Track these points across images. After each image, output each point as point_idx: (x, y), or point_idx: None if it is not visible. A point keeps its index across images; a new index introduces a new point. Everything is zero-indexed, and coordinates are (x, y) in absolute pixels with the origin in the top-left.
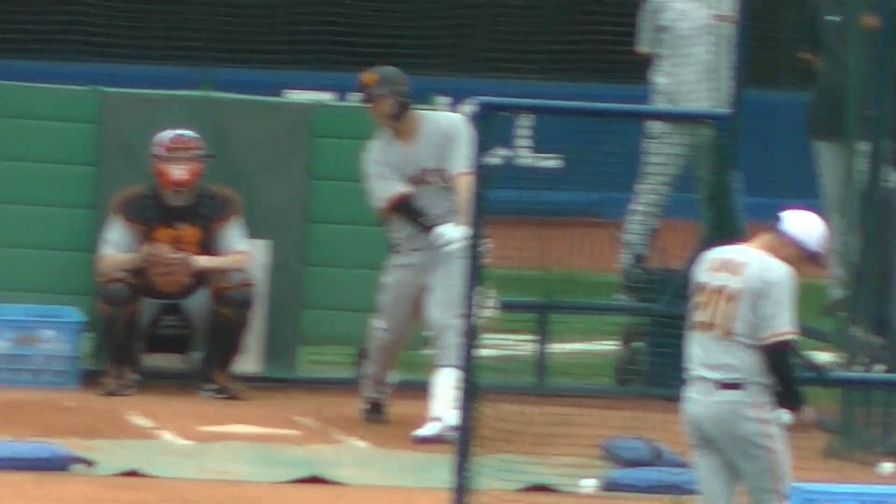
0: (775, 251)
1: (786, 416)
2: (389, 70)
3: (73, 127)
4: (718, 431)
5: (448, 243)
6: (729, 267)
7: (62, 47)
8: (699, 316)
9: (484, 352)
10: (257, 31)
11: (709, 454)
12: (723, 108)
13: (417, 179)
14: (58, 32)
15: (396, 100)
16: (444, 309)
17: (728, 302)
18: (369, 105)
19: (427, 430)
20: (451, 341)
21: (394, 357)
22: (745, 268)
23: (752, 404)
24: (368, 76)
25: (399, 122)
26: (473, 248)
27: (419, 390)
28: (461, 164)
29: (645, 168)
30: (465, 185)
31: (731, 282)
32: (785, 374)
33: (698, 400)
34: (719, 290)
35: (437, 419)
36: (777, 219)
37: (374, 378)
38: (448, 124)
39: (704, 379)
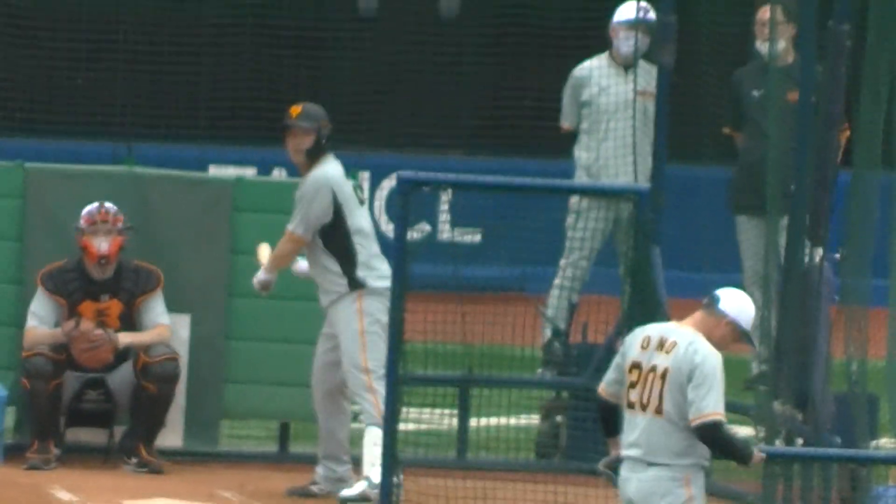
0: (710, 330)
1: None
2: (317, 108)
3: None
4: None
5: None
6: (659, 345)
7: None
8: (631, 395)
9: (405, 425)
10: (180, 107)
11: None
12: (644, 183)
13: None
14: None
15: (316, 138)
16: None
17: (658, 381)
18: (287, 135)
19: (353, 489)
20: (365, 399)
21: None
22: (674, 347)
23: (682, 481)
24: (294, 107)
25: (308, 161)
26: (395, 321)
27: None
28: (292, 220)
29: (567, 243)
30: (280, 241)
31: (661, 361)
32: (722, 447)
33: (629, 478)
34: (651, 370)
35: (363, 478)
36: (710, 297)
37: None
38: (309, 181)
39: (635, 458)
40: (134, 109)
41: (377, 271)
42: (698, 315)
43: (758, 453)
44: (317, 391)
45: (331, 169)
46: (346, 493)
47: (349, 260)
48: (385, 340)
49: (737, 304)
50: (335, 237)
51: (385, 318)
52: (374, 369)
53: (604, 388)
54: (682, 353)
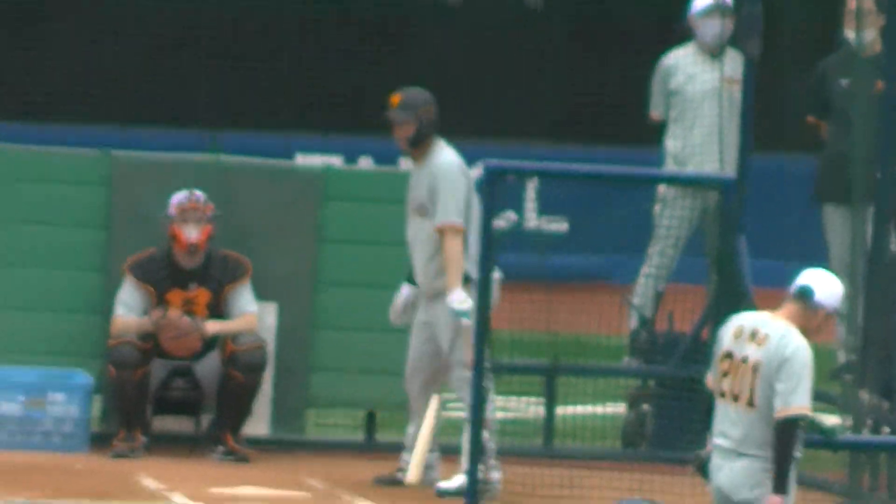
0: (806, 321)
1: None
2: (416, 94)
3: (84, 190)
4: (737, 496)
5: (456, 316)
6: (751, 336)
7: (73, 111)
8: (724, 384)
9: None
10: (267, 95)
11: None
12: (730, 172)
13: (419, 211)
14: (68, 96)
15: (417, 127)
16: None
17: (751, 373)
18: (391, 125)
19: (452, 482)
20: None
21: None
22: (766, 340)
23: (770, 472)
24: (395, 96)
25: (416, 149)
26: (482, 310)
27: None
28: (439, 216)
29: (654, 232)
30: (445, 243)
31: (752, 353)
32: (786, 451)
33: (720, 466)
34: (743, 360)
35: (464, 472)
36: (802, 289)
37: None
38: (437, 170)
39: (726, 449)
40: (219, 98)
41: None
42: (792, 307)
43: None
44: (413, 381)
45: (454, 155)
46: (444, 485)
47: (463, 247)
48: None
49: (830, 291)
50: None
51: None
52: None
53: (710, 379)
54: (774, 346)
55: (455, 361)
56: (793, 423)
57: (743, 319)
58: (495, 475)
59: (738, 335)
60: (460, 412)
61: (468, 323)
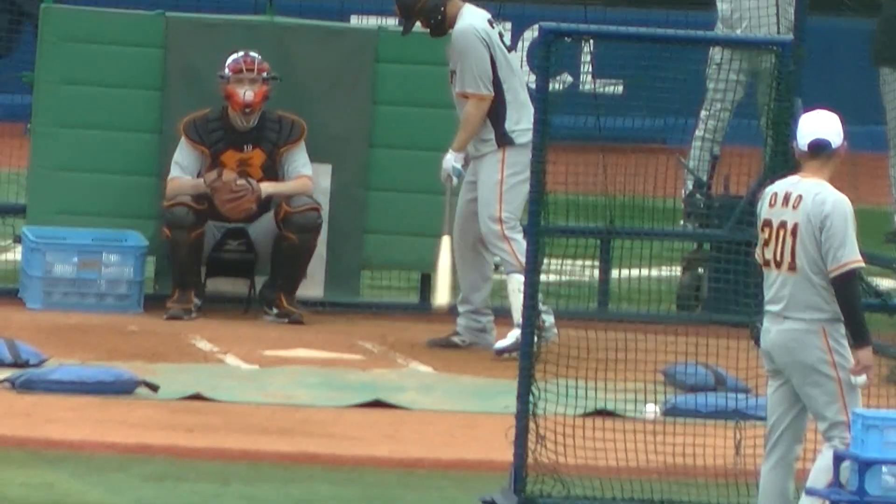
0: (832, 169)
1: (861, 379)
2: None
3: (138, 52)
4: (786, 359)
5: (445, 175)
6: (787, 201)
7: None
8: (766, 253)
9: (547, 277)
10: None
11: (778, 383)
12: (785, 35)
13: (454, 76)
14: None
15: (432, 15)
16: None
17: (789, 237)
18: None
19: (507, 339)
20: (499, 248)
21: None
22: (800, 201)
23: (819, 333)
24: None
25: (438, 28)
26: (537, 172)
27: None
28: (458, 84)
29: (707, 95)
30: (466, 107)
31: (790, 217)
32: (852, 304)
33: (769, 329)
34: (781, 226)
35: (516, 325)
36: (815, 143)
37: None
38: (454, 38)
39: (774, 313)
40: None
41: (523, 124)
42: (814, 164)
43: (868, 352)
44: (458, 240)
45: (473, 20)
46: (501, 343)
47: (499, 110)
48: (524, 193)
49: (835, 129)
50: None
51: (528, 173)
52: (507, 219)
53: (758, 251)
54: (811, 205)
55: (484, 215)
56: (850, 276)
57: (776, 187)
58: (548, 319)
59: (773, 203)
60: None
61: (451, 181)
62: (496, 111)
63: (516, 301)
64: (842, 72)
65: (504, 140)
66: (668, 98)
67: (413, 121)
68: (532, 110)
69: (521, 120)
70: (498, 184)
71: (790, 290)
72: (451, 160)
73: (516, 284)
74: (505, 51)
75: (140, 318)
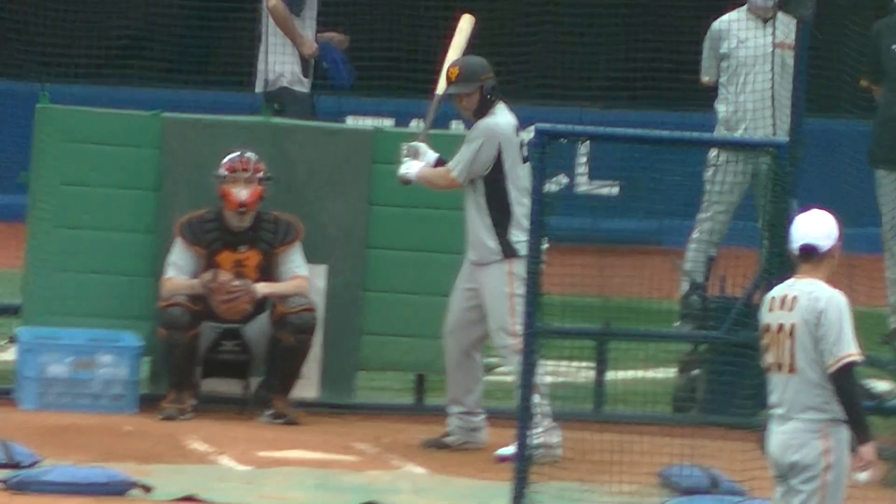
0: (826, 271)
1: (863, 476)
2: (475, 63)
3: (135, 152)
4: (785, 459)
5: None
6: (784, 304)
7: (125, 72)
8: (768, 357)
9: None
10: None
11: (784, 489)
12: (782, 136)
13: None
14: (121, 57)
15: (480, 96)
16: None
17: (788, 339)
18: (453, 100)
19: (510, 448)
20: (514, 363)
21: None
22: (795, 302)
23: (820, 433)
24: (452, 69)
25: (479, 116)
26: (533, 273)
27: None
28: (454, 159)
29: (705, 196)
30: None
31: (787, 319)
32: (851, 399)
33: (773, 431)
34: (779, 329)
35: None
36: (807, 247)
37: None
38: (478, 126)
39: (778, 416)
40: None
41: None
42: (807, 266)
43: (871, 448)
44: (451, 345)
45: (502, 119)
46: (504, 451)
47: (505, 217)
48: None
49: (827, 231)
50: (494, 190)
51: None
52: (522, 333)
53: (762, 357)
54: (805, 304)
55: (497, 328)
56: (847, 371)
57: (774, 291)
58: (554, 438)
59: (772, 307)
60: (508, 377)
61: (408, 177)
62: (501, 220)
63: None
64: (839, 173)
65: (510, 251)
66: (665, 199)
67: (409, 222)
68: None
69: (527, 230)
70: (509, 297)
71: (792, 392)
72: (407, 173)
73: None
74: (519, 161)
75: (135, 419)
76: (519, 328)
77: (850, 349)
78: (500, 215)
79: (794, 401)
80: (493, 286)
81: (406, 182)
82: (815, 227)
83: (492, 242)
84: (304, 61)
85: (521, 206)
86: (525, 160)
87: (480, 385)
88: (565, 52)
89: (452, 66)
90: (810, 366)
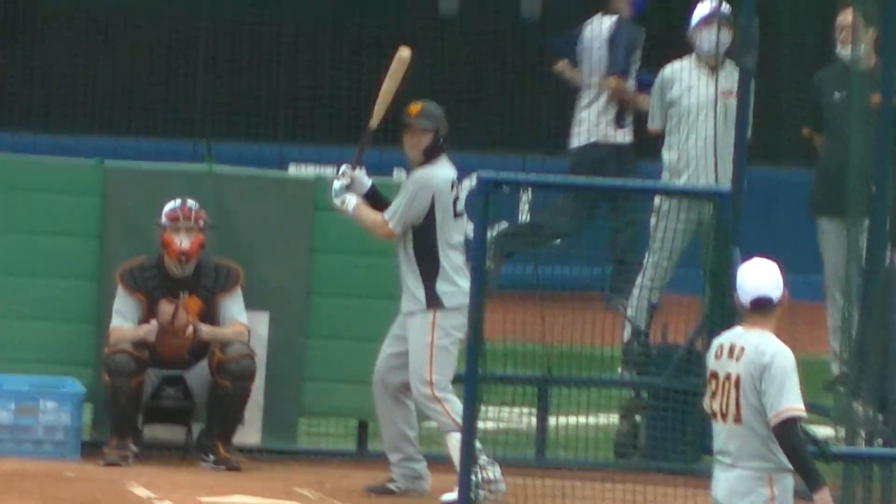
0: (775, 322)
1: None
2: (435, 106)
3: (77, 200)
4: None
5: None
6: (732, 353)
7: (66, 121)
8: (713, 405)
9: (484, 424)
10: (259, 106)
11: None
12: (725, 184)
13: None
14: (63, 106)
15: (434, 138)
16: (413, 377)
17: (733, 389)
18: (406, 133)
19: (454, 493)
20: (433, 409)
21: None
22: (742, 353)
23: (765, 480)
24: (414, 105)
25: (424, 159)
26: (475, 321)
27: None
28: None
29: (651, 244)
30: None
31: (733, 368)
32: (796, 453)
33: (717, 478)
34: (726, 378)
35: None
36: (757, 300)
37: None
38: (415, 176)
39: (723, 463)
40: (214, 107)
41: (457, 287)
42: (756, 317)
43: (825, 494)
44: (379, 391)
45: (439, 171)
46: (448, 496)
47: (432, 269)
48: (454, 355)
49: (776, 282)
50: (422, 242)
51: (458, 334)
52: (437, 382)
53: (706, 401)
54: (751, 356)
55: (414, 376)
56: (790, 424)
57: (721, 338)
58: (492, 473)
59: (719, 354)
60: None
61: (338, 203)
62: (429, 271)
63: (458, 458)
64: (780, 221)
65: (434, 302)
66: (607, 247)
67: (351, 269)
68: (468, 275)
69: (455, 282)
70: (428, 346)
71: (737, 442)
72: (336, 184)
73: (456, 443)
74: (451, 214)
75: (78, 465)
76: (436, 377)
77: (791, 403)
78: (429, 266)
79: (739, 450)
80: (414, 335)
81: (340, 212)
82: (763, 278)
83: (418, 292)
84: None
85: (448, 259)
86: (457, 215)
87: (415, 430)
88: (507, 100)
89: (414, 103)
90: (755, 417)
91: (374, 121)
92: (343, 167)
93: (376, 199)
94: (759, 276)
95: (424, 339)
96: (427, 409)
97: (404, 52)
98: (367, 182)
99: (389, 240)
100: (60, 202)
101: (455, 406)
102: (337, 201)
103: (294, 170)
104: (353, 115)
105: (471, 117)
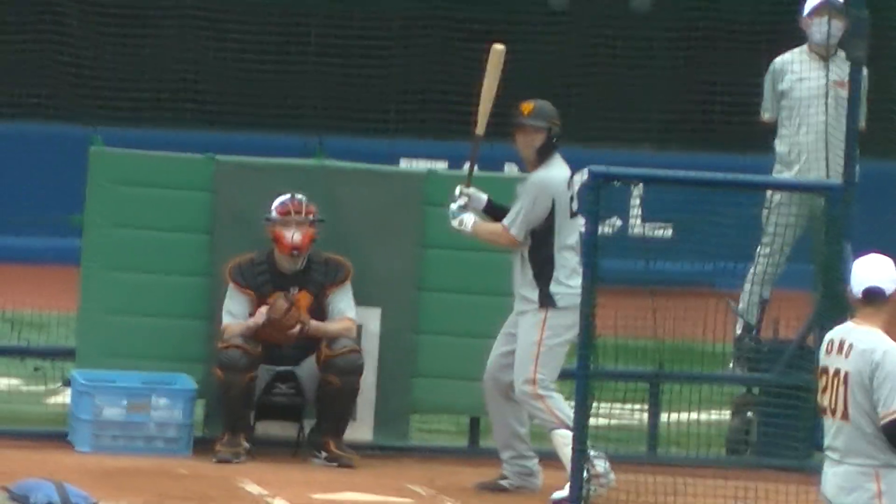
0: (887, 317)
1: None
2: (548, 105)
3: (187, 195)
4: (838, 501)
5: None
6: (841, 349)
7: (177, 115)
8: (823, 400)
9: (596, 420)
10: (370, 100)
11: None
12: (836, 176)
13: None
14: (173, 101)
15: (547, 137)
16: (517, 375)
17: (842, 385)
18: (518, 132)
19: (565, 490)
20: (534, 407)
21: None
22: (850, 350)
23: (872, 476)
24: (526, 104)
25: (538, 159)
26: (586, 316)
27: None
28: (510, 213)
29: (763, 238)
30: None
31: (843, 365)
32: None
33: (827, 473)
34: (835, 374)
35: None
36: (867, 290)
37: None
38: (533, 178)
39: (832, 459)
40: (324, 102)
41: (571, 289)
42: (867, 310)
43: None
44: (490, 388)
45: (557, 172)
46: (559, 494)
47: (547, 271)
48: (562, 355)
49: (890, 275)
50: (539, 245)
51: (569, 335)
52: (540, 380)
53: (819, 398)
54: (860, 353)
55: (518, 374)
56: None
57: (832, 334)
58: (601, 466)
59: (829, 350)
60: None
61: (456, 224)
62: (543, 272)
63: (565, 455)
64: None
65: (547, 302)
66: (718, 242)
67: (462, 264)
68: (580, 273)
69: (568, 284)
70: (536, 344)
71: (844, 438)
72: (453, 206)
73: (560, 440)
74: (568, 214)
75: (189, 462)
76: (539, 376)
77: None
78: (543, 268)
79: (846, 446)
80: (524, 332)
81: (459, 232)
82: (877, 270)
83: (532, 294)
84: None
85: (563, 260)
86: (573, 214)
87: (526, 428)
88: (618, 93)
89: (526, 102)
90: (861, 416)
91: (480, 128)
92: (458, 187)
93: (495, 211)
94: (872, 269)
95: (533, 336)
96: (529, 406)
97: (498, 47)
98: (483, 197)
99: (514, 247)
100: (171, 197)
101: (557, 403)
102: (455, 223)
103: (405, 164)
104: (465, 109)
105: (580, 111)
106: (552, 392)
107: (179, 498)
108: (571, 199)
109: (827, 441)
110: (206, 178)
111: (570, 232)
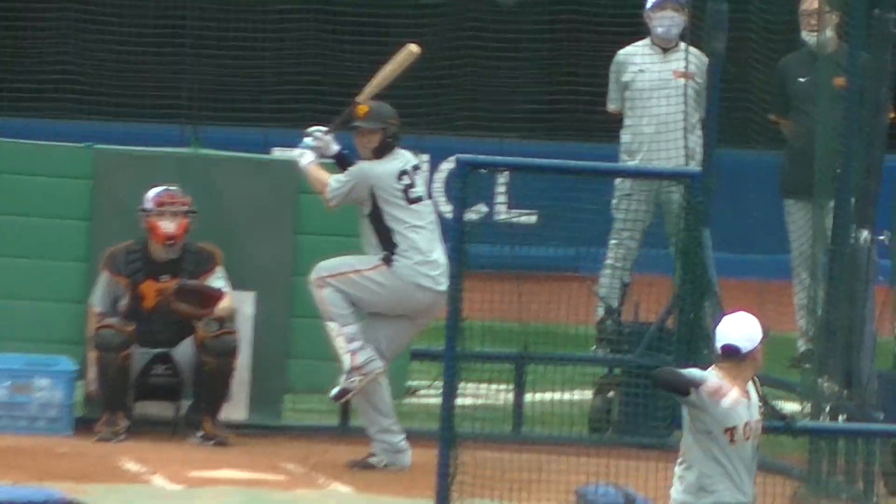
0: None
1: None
2: (384, 106)
3: (67, 183)
4: None
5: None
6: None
7: (56, 105)
8: None
9: (463, 400)
10: (245, 91)
11: None
12: (684, 165)
13: None
14: (52, 91)
15: (382, 137)
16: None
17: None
18: (355, 133)
19: (335, 389)
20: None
21: None
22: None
23: None
24: (361, 107)
25: (376, 156)
26: (454, 299)
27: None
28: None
29: (615, 224)
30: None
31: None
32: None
33: None
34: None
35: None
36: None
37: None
38: (361, 166)
39: None
40: (200, 93)
41: (412, 262)
42: (726, 365)
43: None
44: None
45: (384, 166)
46: (335, 390)
47: (389, 247)
48: (347, 293)
49: (749, 336)
50: (378, 226)
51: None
52: (328, 272)
53: None
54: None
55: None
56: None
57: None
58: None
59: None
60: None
61: (297, 154)
62: (387, 246)
63: (334, 347)
64: (749, 203)
65: (387, 259)
66: (581, 228)
67: (334, 250)
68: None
69: (410, 258)
70: (352, 267)
71: None
72: (306, 139)
73: (330, 332)
74: (402, 201)
75: (70, 441)
76: (329, 269)
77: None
78: (386, 244)
79: None
80: (356, 258)
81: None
82: (738, 329)
83: (377, 252)
84: None
85: (404, 239)
86: (414, 200)
87: (389, 401)
88: (485, 84)
89: (363, 104)
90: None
91: (362, 96)
92: (318, 129)
93: (343, 164)
94: (734, 326)
95: (359, 264)
96: (311, 291)
97: (414, 48)
98: (335, 147)
99: (328, 209)
100: (51, 185)
101: (331, 297)
102: (296, 152)
103: (278, 153)
104: (337, 101)
105: (449, 101)
106: (333, 291)
107: (61, 476)
108: (409, 186)
109: None
110: (86, 166)
111: (414, 216)
